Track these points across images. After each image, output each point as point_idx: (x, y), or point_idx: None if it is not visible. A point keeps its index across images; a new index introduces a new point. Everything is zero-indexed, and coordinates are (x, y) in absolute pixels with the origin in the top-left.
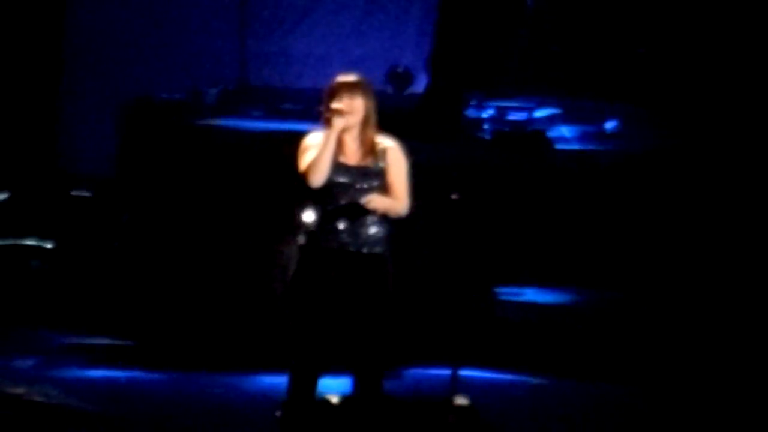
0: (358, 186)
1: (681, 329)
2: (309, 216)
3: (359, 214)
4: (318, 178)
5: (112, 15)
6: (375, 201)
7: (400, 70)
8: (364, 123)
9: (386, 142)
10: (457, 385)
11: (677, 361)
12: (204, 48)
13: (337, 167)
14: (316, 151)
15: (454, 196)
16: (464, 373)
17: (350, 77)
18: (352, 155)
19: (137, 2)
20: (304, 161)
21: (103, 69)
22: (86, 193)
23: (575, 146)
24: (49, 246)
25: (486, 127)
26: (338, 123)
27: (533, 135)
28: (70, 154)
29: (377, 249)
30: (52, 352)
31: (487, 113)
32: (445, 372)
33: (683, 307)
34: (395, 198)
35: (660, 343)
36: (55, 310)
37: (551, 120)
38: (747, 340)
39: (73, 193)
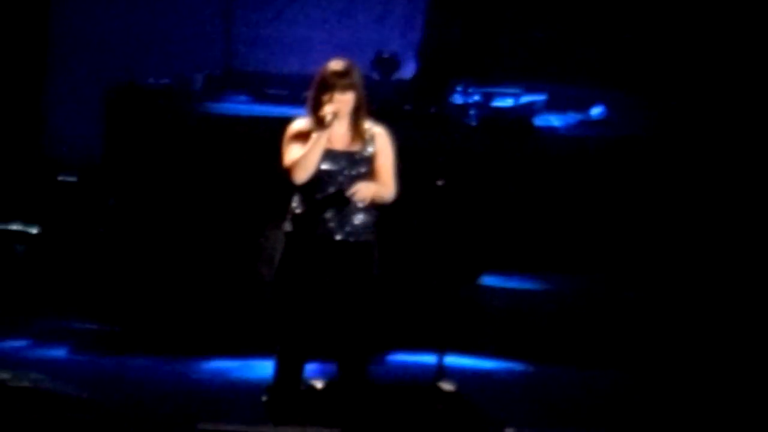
0: (345, 172)
1: (667, 314)
2: (296, 203)
3: (346, 203)
4: (303, 176)
5: (97, 0)
6: (361, 191)
7: (386, 55)
8: (355, 110)
9: (374, 128)
10: (443, 371)
11: (663, 346)
12: (190, 33)
13: (325, 153)
14: (301, 144)
15: (439, 182)
16: (450, 359)
17: (341, 65)
18: (340, 140)
19: None
20: (290, 155)
21: (88, 54)
22: (72, 178)
23: (561, 132)
24: (34, 231)
25: (472, 112)
26: (328, 125)
27: (519, 121)
28: (56, 139)
29: (363, 237)
30: (38, 337)
31: (473, 99)
32: (431, 358)
33: (670, 293)
34: (382, 183)
35: (645, 327)
36: (41, 295)
37: (537, 106)
38: (732, 321)
39: (59, 178)
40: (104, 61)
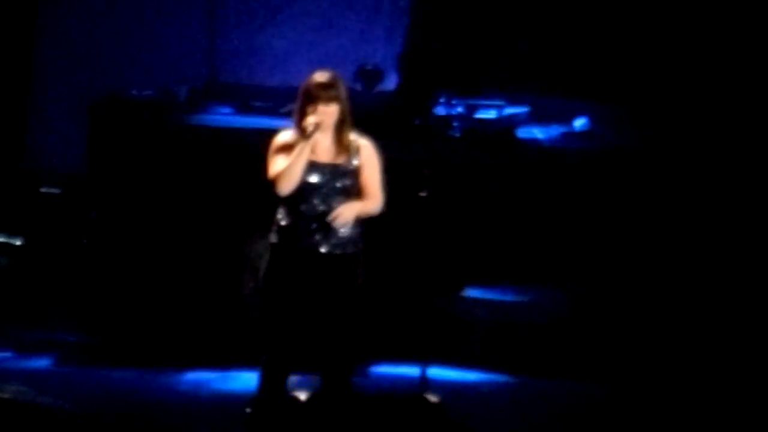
0: (330, 185)
1: (653, 325)
2: (281, 215)
3: (324, 216)
4: (287, 188)
5: (81, 12)
6: (343, 215)
7: (369, 67)
8: (340, 123)
9: (360, 140)
10: (427, 383)
11: (649, 358)
12: (173, 45)
13: (309, 166)
14: (286, 156)
15: (422, 194)
16: (433, 370)
17: (325, 77)
18: (325, 153)
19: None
20: (274, 167)
21: (71, 65)
22: (55, 190)
23: (545, 144)
24: (17, 243)
25: (455, 124)
26: (314, 136)
27: (502, 133)
28: (39, 151)
29: (349, 249)
30: (21, 348)
31: (456, 111)
32: (415, 370)
33: (655, 303)
34: (369, 196)
35: (630, 339)
36: (24, 306)
37: (520, 118)
38: (722, 331)
39: (42, 189)
40: (88, 73)
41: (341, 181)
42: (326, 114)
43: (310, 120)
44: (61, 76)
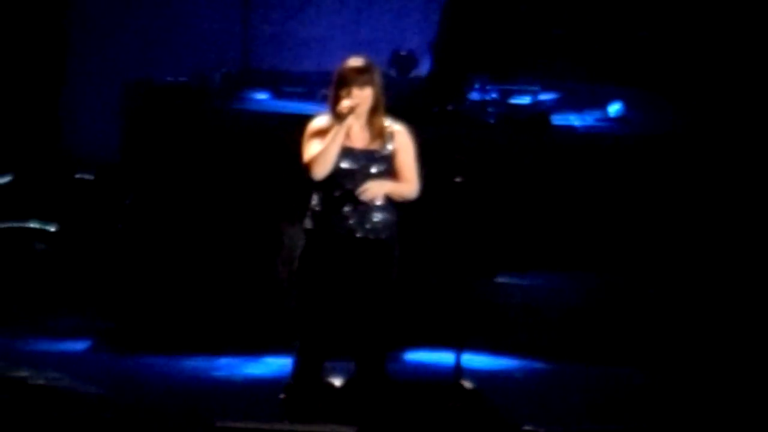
0: (364, 170)
1: (687, 312)
2: (316, 200)
3: (357, 202)
4: (322, 172)
5: None
6: (371, 189)
7: (403, 53)
8: (373, 108)
9: (394, 126)
10: (461, 369)
11: (681, 344)
12: (208, 31)
13: (344, 151)
14: (320, 141)
15: (457, 180)
16: (468, 357)
17: (360, 62)
18: (359, 139)
19: None
20: (309, 151)
21: (106, 51)
22: (89, 176)
23: (579, 130)
24: (52, 229)
25: (489, 110)
26: (349, 119)
27: (537, 118)
28: (74, 137)
29: (383, 235)
30: (57, 335)
31: (490, 96)
32: (449, 356)
33: (687, 291)
34: (405, 181)
35: (663, 325)
36: (59, 292)
37: (555, 103)
38: (752, 321)
39: (77, 175)
40: (122, 59)
41: (376, 166)
42: (360, 98)
43: (345, 104)
44: (95, 62)
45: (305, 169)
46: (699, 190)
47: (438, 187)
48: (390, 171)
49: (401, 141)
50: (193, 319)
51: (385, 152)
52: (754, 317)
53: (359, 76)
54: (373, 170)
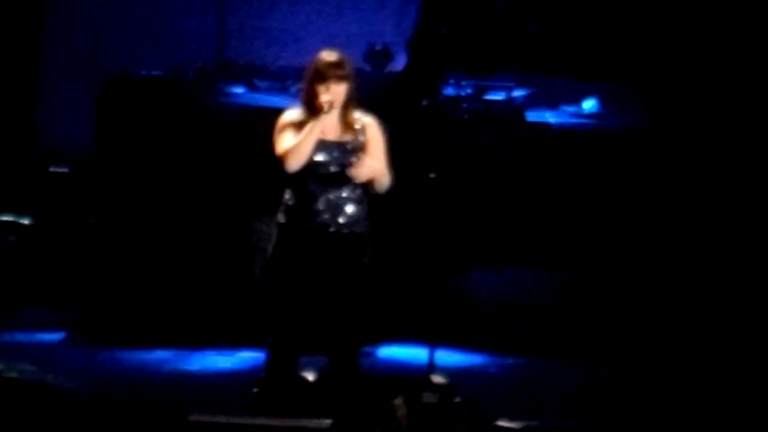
0: (337, 162)
1: (660, 307)
2: (289, 194)
3: (341, 183)
4: (296, 164)
5: None
6: (361, 169)
7: (378, 47)
8: (347, 102)
9: (364, 118)
10: (434, 364)
11: (656, 340)
12: (183, 25)
13: (317, 144)
14: (294, 133)
15: (432, 175)
16: (441, 352)
17: (334, 56)
18: (331, 131)
19: None
20: (282, 144)
21: (81, 45)
22: (64, 169)
23: (554, 126)
24: (26, 222)
25: (464, 105)
26: (326, 114)
27: (511, 114)
28: (48, 130)
29: (357, 228)
30: (30, 327)
31: (465, 92)
32: (422, 351)
33: (663, 285)
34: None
35: (638, 321)
36: (33, 286)
37: (529, 99)
38: (729, 317)
39: (51, 169)
40: (97, 53)
41: (347, 158)
42: (337, 93)
43: (324, 98)
44: (70, 55)
45: (279, 160)
46: (674, 187)
47: (412, 182)
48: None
49: (372, 133)
50: (167, 313)
51: (357, 144)
52: (734, 313)
53: (335, 70)
54: (345, 162)
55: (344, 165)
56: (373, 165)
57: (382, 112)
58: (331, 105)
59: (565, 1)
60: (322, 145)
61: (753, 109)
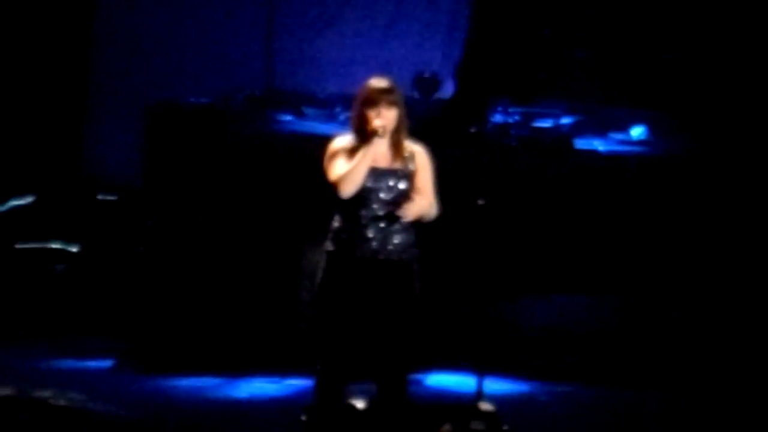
0: (388, 190)
1: (707, 334)
2: (338, 222)
3: (391, 221)
4: (350, 190)
5: (139, 17)
6: (410, 210)
7: (427, 75)
8: (397, 128)
9: (414, 146)
10: (482, 392)
11: (703, 367)
12: (231, 52)
13: (368, 171)
14: (346, 160)
15: (480, 202)
16: (489, 380)
17: (384, 83)
18: (382, 158)
19: (164, 4)
20: (335, 170)
21: (129, 73)
22: (112, 197)
23: (602, 153)
24: (74, 250)
25: (512, 132)
26: (379, 139)
27: (559, 141)
28: (97, 158)
29: (405, 256)
30: (79, 355)
31: (513, 119)
32: (471, 379)
33: (710, 312)
34: (425, 200)
35: (686, 349)
36: (81, 313)
37: (577, 126)
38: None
39: (99, 197)
40: (145, 80)
41: (399, 186)
42: (388, 118)
43: (377, 123)
44: (118, 83)
45: (332, 187)
46: (721, 213)
47: (460, 208)
48: (411, 190)
49: (421, 161)
50: (215, 340)
51: (407, 171)
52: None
53: (386, 96)
54: (396, 189)
55: (394, 192)
56: (421, 203)
57: (430, 139)
58: (385, 129)
59: (613, 27)
60: (372, 172)
61: None
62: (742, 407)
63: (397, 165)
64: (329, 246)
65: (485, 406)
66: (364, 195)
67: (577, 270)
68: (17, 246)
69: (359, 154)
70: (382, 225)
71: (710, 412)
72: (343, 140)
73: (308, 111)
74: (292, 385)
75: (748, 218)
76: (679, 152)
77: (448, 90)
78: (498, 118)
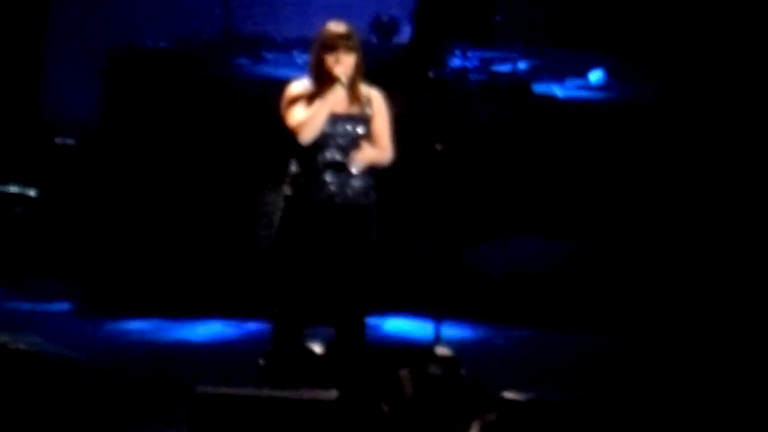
0: (346, 135)
1: (666, 278)
2: (295, 167)
3: (343, 169)
4: (310, 136)
5: None
6: (360, 158)
7: (384, 19)
8: (354, 73)
9: (370, 90)
10: (440, 336)
11: (662, 311)
12: None
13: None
14: (304, 106)
15: (438, 147)
16: (447, 324)
17: (342, 28)
18: (340, 103)
19: None
20: (293, 116)
21: (86, 16)
22: (70, 141)
23: (560, 97)
24: (32, 193)
25: (470, 77)
26: (339, 85)
27: (518, 85)
28: (54, 102)
29: (363, 200)
30: (37, 298)
31: (471, 63)
32: (428, 323)
33: (668, 256)
34: (380, 146)
35: (642, 293)
36: (39, 256)
37: (535, 71)
38: (735, 290)
39: (57, 140)
40: (103, 24)
41: (356, 130)
42: (347, 64)
43: (339, 70)
44: (75, 27)
45: (292, 133)
46: (679, 159)
47: (419, 154)
48: (368, 135)
49: (378, 105)
50: (173, 285)
51: (365, 116)
52: (735, 287)
53: (345, 41)
54: (354, 134)
55: (351, 136)
56: (371, 151)
57: (387, 84)
58: (346, 76)
59: None
60: (329, 117)
61: (761, 80)
62: (696, 352)
63: (355, 110)
64: (287, 190)
65: (443, 350)
66: (321, 141)
67: (536, 215)
68: None
69: (318, 101)
70: (339, 170)
71: (664, 357)
72: (300, 85)
73: (266, 55)
74: (251, 328)
75: (705, 163)
76: (637, 98)
77: (405, 34)
78: (456, 62)
